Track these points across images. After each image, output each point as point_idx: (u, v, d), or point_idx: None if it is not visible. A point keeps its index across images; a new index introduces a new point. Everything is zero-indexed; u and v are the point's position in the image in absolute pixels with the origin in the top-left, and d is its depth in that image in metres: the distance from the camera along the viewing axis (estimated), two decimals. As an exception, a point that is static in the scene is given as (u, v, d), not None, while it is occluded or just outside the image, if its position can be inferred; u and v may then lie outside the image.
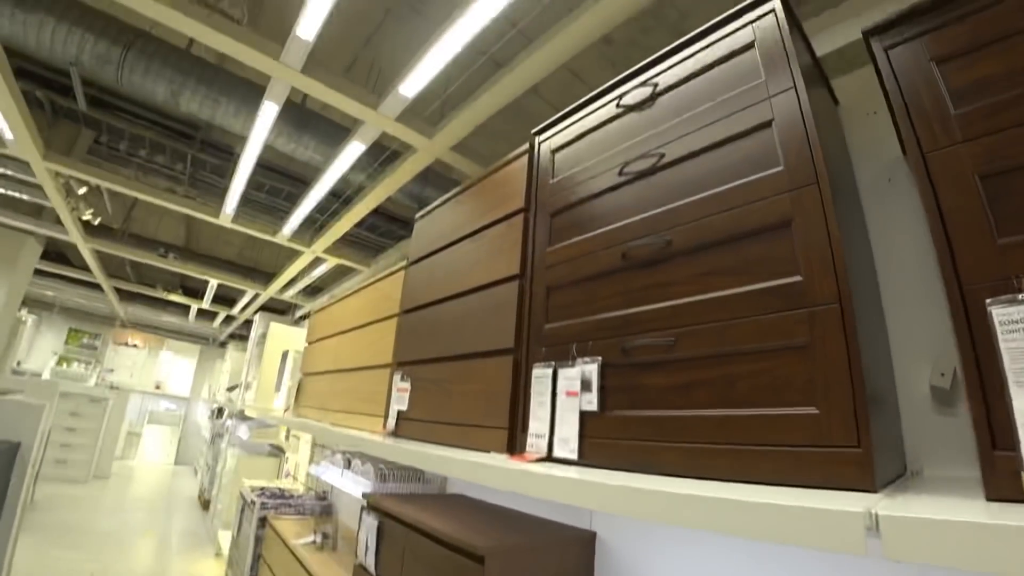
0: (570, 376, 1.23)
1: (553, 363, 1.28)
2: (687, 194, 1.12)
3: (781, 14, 1.07)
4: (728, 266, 1.02)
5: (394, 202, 4.47)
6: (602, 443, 1.14)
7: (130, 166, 4.47)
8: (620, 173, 1.26)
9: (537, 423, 1.29)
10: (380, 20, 2.77)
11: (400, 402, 1.85)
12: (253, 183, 4.50)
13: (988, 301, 0.72)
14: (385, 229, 5.32)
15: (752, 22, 1.11)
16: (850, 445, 0.79)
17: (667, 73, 1.25)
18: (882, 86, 1.00)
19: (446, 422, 1.58)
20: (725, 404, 0.97)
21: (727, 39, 1.15)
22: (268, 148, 3.56)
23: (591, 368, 1.19)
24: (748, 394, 0.94)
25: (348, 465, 2.41)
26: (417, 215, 2.14)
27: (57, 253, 7.76)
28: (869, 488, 0.75)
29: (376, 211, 5.00)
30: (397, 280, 2.17)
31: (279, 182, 4.62)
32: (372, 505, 1.69)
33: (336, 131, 3.33)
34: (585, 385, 1.20)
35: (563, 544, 1.41)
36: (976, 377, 0.73)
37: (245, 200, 4.75)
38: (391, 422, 1.87)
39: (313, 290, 7.68)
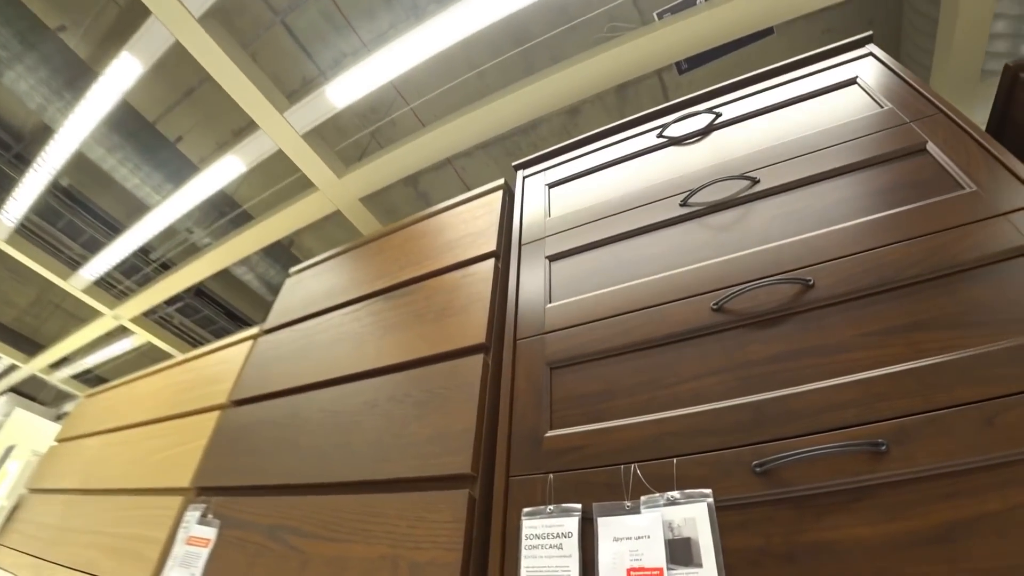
0: (633, 530, 0.58)
1: (578, 507, 0.62)
2: (822, 224, 0.73)
3: (882, 55, 0.90)
4: (947, 314, 0.60)
5: (243, 291, 3.33)
6: None
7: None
8: (684, 203, 0.85)
9: (538, 655, 0.56)
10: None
11: (189, 566, 0.85)
12: (72, 228, 3.09)
13: None
14: (221, 327, 3.90)
15: (848, 62, 0.93)
16: None
17: (731, 106, 0.97)
18: None
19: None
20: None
21: (820, 75, 0.93)
22: (106, 182, 2.48)
23: (691, 512, 0.57)
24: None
25: None
26: (293, 269, 1.38)
27: None
28: None
29: (216, 303, 3.70)
30: (233, 358, 1.28)
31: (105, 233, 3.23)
32: None
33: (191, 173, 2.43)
34: (679, 552, 0.55)
35: None
36: None
37: (48, 242, 3.20)
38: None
39: (98, 380, 5.15)
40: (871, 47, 0.93)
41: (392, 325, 0.96)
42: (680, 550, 0.55)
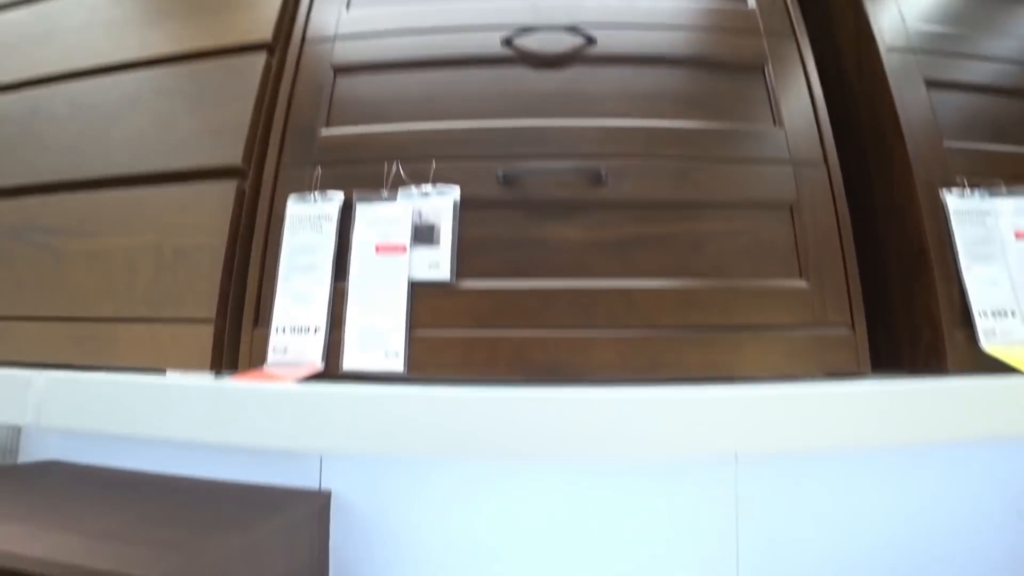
0: (388, 217, 0.64)
1: (341, 194, 0.65)
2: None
3: None
4: (687, 93, 0.71)
5: None
6: (462, 340, 0.58)
7: None
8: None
9: (295, 306, 0.61)
10: None
11: None
12: None
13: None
14: None
15: None
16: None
17: None
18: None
19: (56, 316, 0.66)
20: (686, 272, 0.62)
21: None
22: None
23: (438, 204, 0.64)
24: (720, 260, 0.63)
25: None
26: None
27: None
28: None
29: None
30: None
31: None
32: None
33: None
34: (423, 234, 0.63)
35: (287, 529, 0.68)
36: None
37: None
38: None
39: None
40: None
41: (163, 12, 0.80)
42: (424, 233, 0.62)
